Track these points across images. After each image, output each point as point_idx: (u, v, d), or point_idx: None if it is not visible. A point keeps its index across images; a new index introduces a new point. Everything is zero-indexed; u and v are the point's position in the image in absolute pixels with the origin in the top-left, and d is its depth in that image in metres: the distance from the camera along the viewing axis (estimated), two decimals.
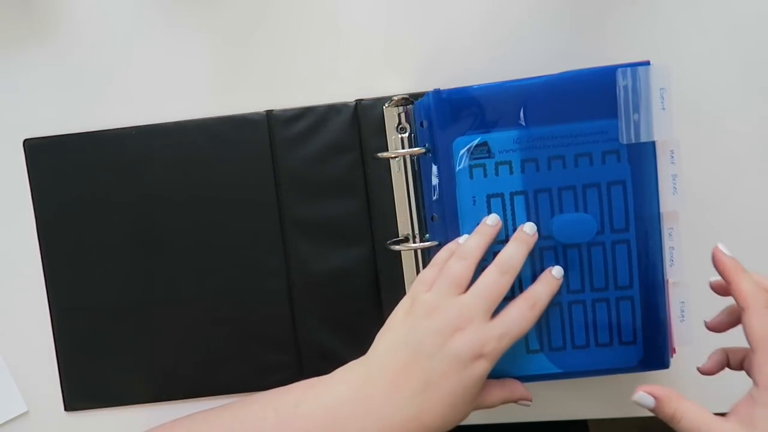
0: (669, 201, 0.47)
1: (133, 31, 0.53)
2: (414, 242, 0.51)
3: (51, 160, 0.53)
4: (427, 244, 0.50)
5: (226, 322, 0.53)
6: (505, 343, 0.43)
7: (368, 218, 0.52)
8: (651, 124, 0.46)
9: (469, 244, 0.45)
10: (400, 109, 0.50)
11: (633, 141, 0.46)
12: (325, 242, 0.52)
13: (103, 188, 0.53)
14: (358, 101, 0.52)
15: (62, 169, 0.53)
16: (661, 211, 0.47)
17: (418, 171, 0.51)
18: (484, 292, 0.43)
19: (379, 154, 0.51)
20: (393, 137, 0.51)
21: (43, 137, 0.53)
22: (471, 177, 0.47)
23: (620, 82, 0.46)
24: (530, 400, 0.47)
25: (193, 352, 0.53)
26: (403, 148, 0.50)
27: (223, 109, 0.52)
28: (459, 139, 0.47)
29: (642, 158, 0.46)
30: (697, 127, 0.51)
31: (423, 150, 0.49)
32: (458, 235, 0.48)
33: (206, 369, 0.53)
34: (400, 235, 0.52)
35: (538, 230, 0.47)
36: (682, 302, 0.48)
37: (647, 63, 0.46)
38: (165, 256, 0.53)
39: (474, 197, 0.47)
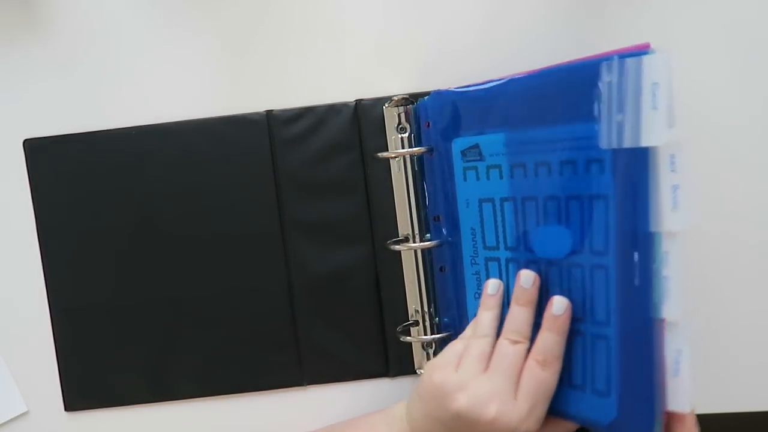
0: (668, 219, 0.36)
1: (134, 31, 0.53)
2: (414, 242, 0.51)
3: (51, 160, 0.53)
4: (427, 244, 0.50)
5: (226, 322, 0.53)
6: (538, 413, 0.41)
7: (368, 218, 0.52)
8: (639, 127, 0.37)
9: (481, 322, 0.44)
10: (400, 109, 0.50)
11: (615, 146, 0.37)
12: (325, 242, 0.52)
13: (103, 188, 0.53)
14: (358, 101, 0.52)
15: (62, 169, 0.53)
16: (654, 231, 0.37)
17: (419, 171, 0.51)
18: (502, 366, 0.41)
19: (379, 154, 0.51)
20: (393, 137, 0.51)
21: (43, 137, 0.53)
22: (465, 179, 0.46)
23: (604, 77, 0.38)
24: None
25: (193, 352, 0.53)
26: (403, 148, 0.50)
27: (223, 109, 0.52)
28: (456, 141, 0.47)
29: (629, 168, 0.37)
30: (693, 128, 0.51)
31: (422, 150, 0.49)
32: (459, 237, 0.48)
33: (206, 369, 0.53)
34: (400, 235, 0.52)
35: (525, 241, 0.43)
36: (678, 351, 0.37)
37: (644, 51, 0.37)
38: (165, 256, 0.53)
39: (467, 200, 0.46)
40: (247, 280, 0.53)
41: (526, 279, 0.43)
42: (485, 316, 0.44)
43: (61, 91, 0.53)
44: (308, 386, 0.53)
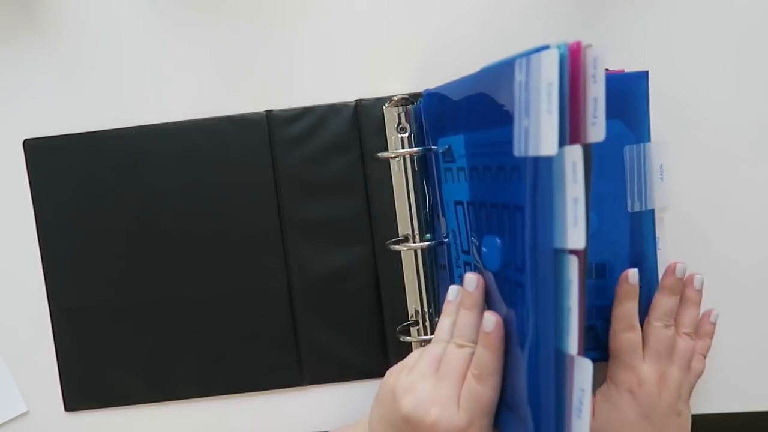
0: (570, 235, 0.33)
1: (134, 32, 0.53)
2: (414, 242, 0.51)
3: (51, 160, 0.53)
4: (427, 244, 0.50)
5: (226, 322, 0.53)
6: (480, 426, 0.40)
7: (368, 218, 0.52)
8: (538, 133, 0.33)
9: (440, 329, 0.44)
10: (400, 109, 0.50)
11: (523, 154, 0.34)
12: (325, 242, 0.52)
13: (103, 188, 0.53)
14: (358, 101, 0.52)
15: (62, 169, 0.53)
16: (558, 248, 0.33)
17: (419, 171, 0.51)
18: (447, 370, 0.41)
19: (379, 154, 0.51)
20: (393, 137, 0.51)
21: (43, 137, 0.53)
22: (446, 180, 0.46)
23: (516, 76, 0.34)
24: None
25: (192, 352, 0.53)
26: (403, 148, 0.51)
27: (223, 109, 0.52)
28: (439, 141, 0.47)
29: (537, 177, 0.33)
30: (691, 128, 0.51)
31: (422, 150, 0.49)
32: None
33: (206, 369, 0.53)
34: (400, 235, 0.52)
35: (478, 248, 0.41)
36: (582, 390, 0.34)
37: (547, 46, 0.32)
38: (165, 256, 0.53)
39: (447, 202, 0.46)
40: (247, 280, 0.53)
41: (470, 282, 0.42)
42: (444, 322, 0.44)
43: (61, 91, 0.53)
44: (308, 386, 0.53)
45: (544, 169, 0.33)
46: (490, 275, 0.40)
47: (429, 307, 0.52)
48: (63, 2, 0.53)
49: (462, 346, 0.41)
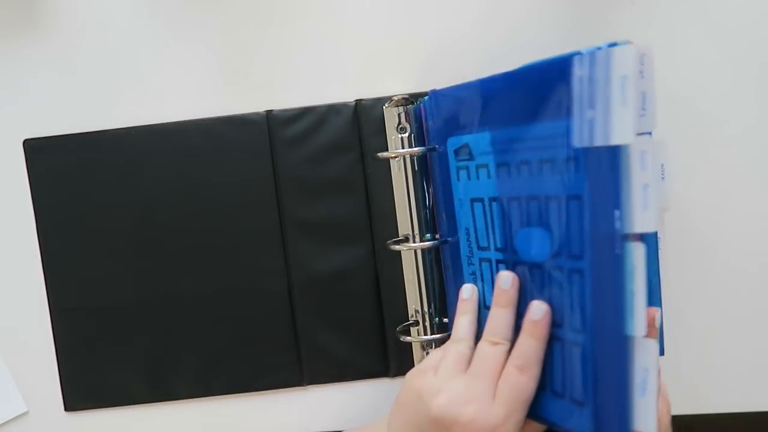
0: (638, 219, 0.34)
1: (133, 31, 0.53)
2: (414, 242, 0.51)
3: (51, 160, 0.53)
4: (427, 243, 0.50)
5: (226, 322, 0.53)
6: (516, 419, 0.40)
7: (368, 218, 0.52)
8: (610, 123, 0.35)
9: (457, 327, 0.44)
10: (400, 109, 0.50)
11: (587, 144, 0.36)
12: (325, 242, 0.52)
13: (103, 188, 0.53)
14: (358, 101, 0.52)
15: (62, 169, 0.53)
16: (625, 233, 0.35)
17: (419, 171, 0.51)
18: (482, 368, 0.41)
19: (379, 154, 0.50)
20: (393, 137, 0.51)
21: (43, 137, 0.53)
22: (458, 179, 0.46)
23: (576, 71, 0.36)
24: None
25: (193, 352, 0.53)
26: (403, 148, 0.50)
27: (223, 109, 0.52)
28: (450, 140, 0.46)
29: (601, 167, 0.35)
30: (692, 128, 0.51)
31: (423, 150, 0.49)
32: (457, 236, 0.48)
33: (206, 369, 0.53)
34: (400, 235, 0.52)
35: (510, 243, 0.42)
36: (645, 369, 0.35)
37: (615, 44, 0.35)
38: (165, 256, 0.53)
39: (461, 200, 0.46)
40: (247, 280, 0.53)
41: (505, 280, 0.42)
42: (462, 321, 0.44)
43: (61, 91, 0.53)
44: (308, 386, 0.53)
45: (614, 157, 0.34)
46: (523, 268, 0.41)
47: (429, 307, 0.52)
48: (63, 2, 0.53)
49: (496, 344, 0.41)
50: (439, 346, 0.52)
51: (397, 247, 0.51)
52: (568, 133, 0.37)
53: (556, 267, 0.39)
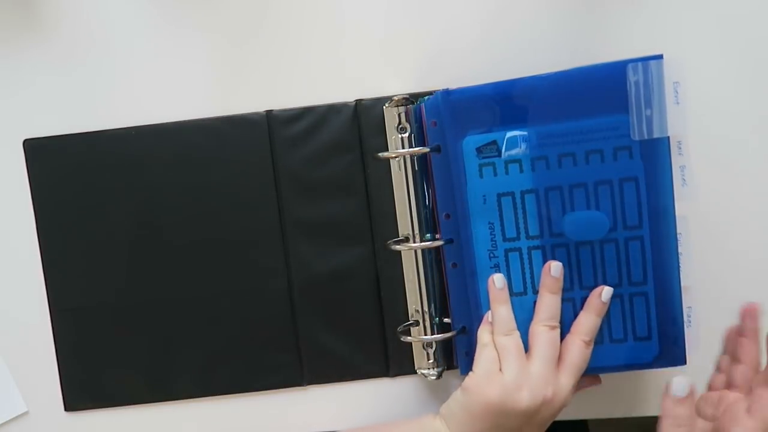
0: (679, 193, 0.46)
1: (134, 31, 0.53)
2: (414, 242, 0.51)
3: (51, 160, 0.53)
4: (427, 243, 0.50)
5: (226, 322, 0.53)
6: (574, 383, 0.47)
7: (368, 218, 0.52)
8: (665, 119, 0.45)
9: (501, 319, 0.47)
10: (400, 109, 0.50)
11: (645, 137, 0.45)
12: (325, 242, 0.52)
13: (103, 188, 0.52)
14: (358, 101, 0.52)
15: (62, 169, 0.53)
16: (674, 203, 0.46)
17: (419, 171, 0.51)
18: (546, 352, 0.46)
19: (379, 154, 0.50)
20: (393, 137, 0.51)
21: (43, 137, 0.53)
22: (481, 176, 0.47)
23: (630, 77, 0.45)
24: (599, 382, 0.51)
25: (193, 352, 0.53)
26: (403, 148, 0.50)
27: (223, 109, 0.52)
28: (468, 138, 0.47)
29: (655, 154, 0.46)
30: (704, 123, 0.51)
31: (423, 150, 0.49)
32: (470, 233, 0.48)
33: (206, 369, 0.53)
34: (400, 235, 0.52)
35: (550, 228, 0.47)
36: (689, 307, 0.48)
37: (659, 57, 0.45)
38: (165, 256, 0.53)
39: (484, 196, 0.48)
40: (247, 280, 0.53)
41: (556, 269, 0.47)
42: (502, 311, 0.47)
43: (61, 91, 0.53)
44: (308, 386, 0.53)
45: (664, 146, 0.45)
46: (564, 249, 0.48)
47: (429, 307, 0.51)
48: (63, 2, 0.52)
49: (554, 328, 0.46)
50: (439, 346, 0.52)
51: (397, 247, 0.51)
52: (622, 127, 0.45)
53: (612, 239, 0.47)
